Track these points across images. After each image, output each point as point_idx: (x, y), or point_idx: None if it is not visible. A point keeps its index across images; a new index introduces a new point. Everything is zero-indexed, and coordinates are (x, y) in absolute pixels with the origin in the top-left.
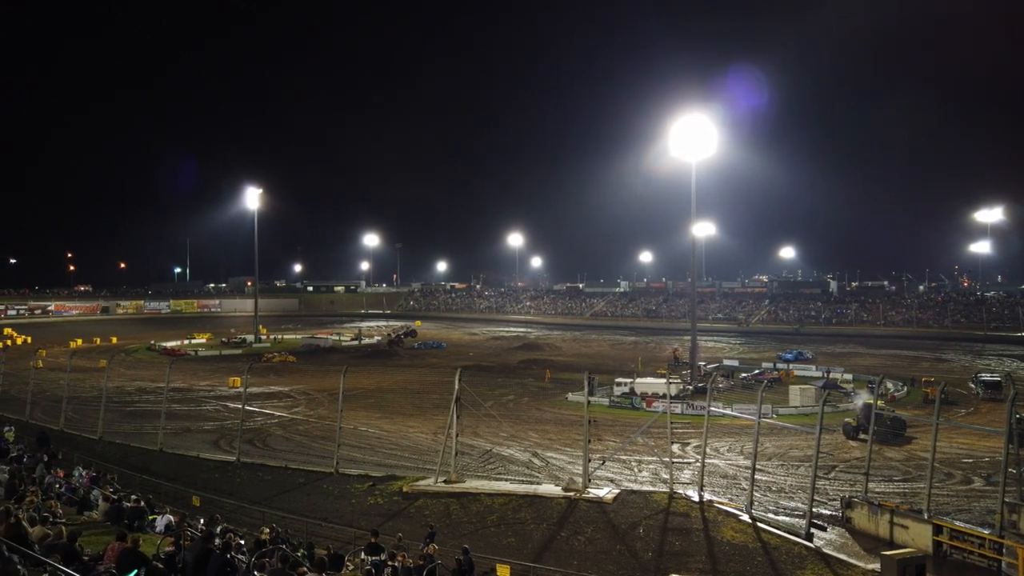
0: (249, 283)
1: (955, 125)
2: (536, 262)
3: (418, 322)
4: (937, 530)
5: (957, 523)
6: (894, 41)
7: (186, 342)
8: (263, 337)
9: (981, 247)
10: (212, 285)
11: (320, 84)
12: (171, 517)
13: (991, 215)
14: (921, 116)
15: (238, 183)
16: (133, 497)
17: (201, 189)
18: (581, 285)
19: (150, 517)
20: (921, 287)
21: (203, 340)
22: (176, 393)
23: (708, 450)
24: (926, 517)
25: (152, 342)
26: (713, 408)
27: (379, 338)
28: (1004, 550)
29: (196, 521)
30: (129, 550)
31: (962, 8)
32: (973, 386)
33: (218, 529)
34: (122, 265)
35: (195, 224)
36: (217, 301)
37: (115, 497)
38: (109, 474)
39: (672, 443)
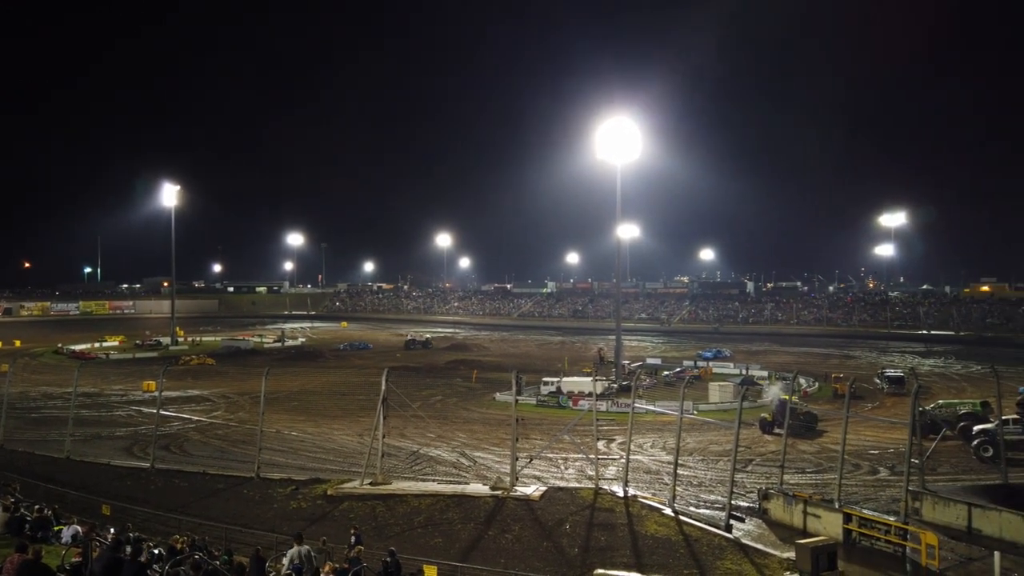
0: (165, 283)
1: (863, 134)
2: (464, 263)
3: (344, 323)
4: (847, 518)
5: (865, 511)
6: (807, 52)
7: (97, 345)
8: (180, 339)
9: (885, 250)
10: (125, 286)
11: (243, 80)
12: (78, 527)
13: (894, 219)
14: (832, 125)
15: (154, 180)
16: (36, 507)
17: (114, 186)
18: (509, 286)
19: (55, 528)
20: (831, 288)
21: (115, 342)
22: (85, 398)
23: (632, 446)
24: (837, 506)
25: (60, 345)
26: (637, 405)
27: (303, 339)
28: (908, 536)
29: (106, 531)
30: (30, 562)
31: (870, 21)
32: (879, 381)
33: (130, 537)
34: (26, 264)
35: (107, 222)
36: (131, 302)
37: (16, 507)
38: (10, 484)
39: (598, 440)
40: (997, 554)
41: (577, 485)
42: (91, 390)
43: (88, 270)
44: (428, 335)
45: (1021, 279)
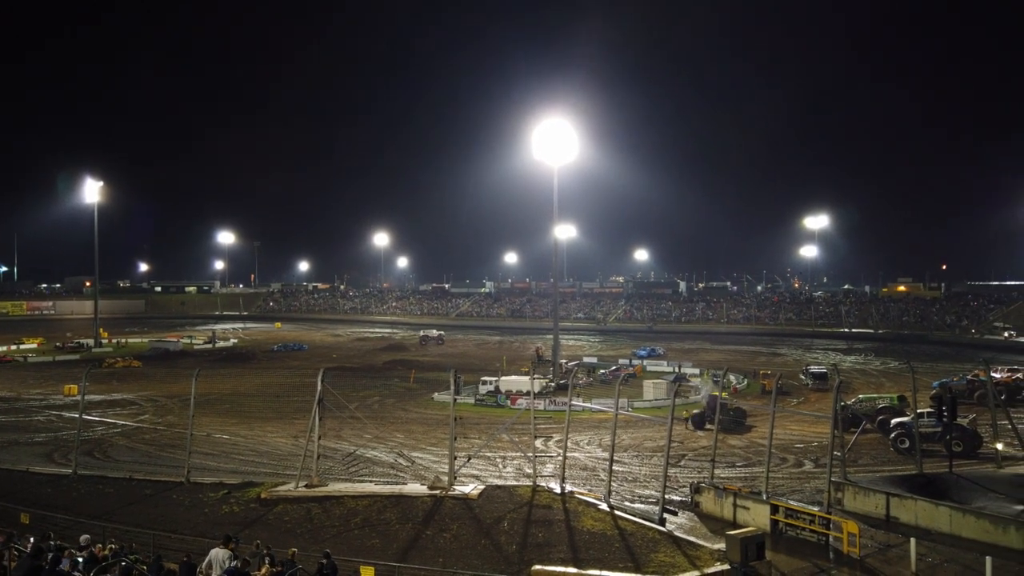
0: (88, 283)
1: (788, 138)
2: (402, 262)
3: (278, 324)
4: (774, 510)
5: (791, 502)
6: (736, 59)
7: (14, 347)
8: (104, 341)
9: (809, 251)
10: (45, 285)
11: (172, 74)
12: None
13: (817, 222)
14: (760, 130)
15: (77, 175)
16: None
17: (33, 181)
18: (447, 285)
19: None
20: (759, 287)
21: (34, 345)
22: (2, 403)
23: (569, 444)
24: (764, 498)
25: None
26: (574, 404)
27: (235, 340)
28: (831, 525)
29: (26, 540)
30: None
31: (796, 27)
32: (803, 377)
33: (52, 545)
34: None
35: (25, 219)
36: (51, 303)
37: None
38: None
39: (535, 438)
40: (913, 540)
41: (515, 483)
42: (8, 394)
43: (4, 269)
44: (441, 332)
45: (935, 279)
